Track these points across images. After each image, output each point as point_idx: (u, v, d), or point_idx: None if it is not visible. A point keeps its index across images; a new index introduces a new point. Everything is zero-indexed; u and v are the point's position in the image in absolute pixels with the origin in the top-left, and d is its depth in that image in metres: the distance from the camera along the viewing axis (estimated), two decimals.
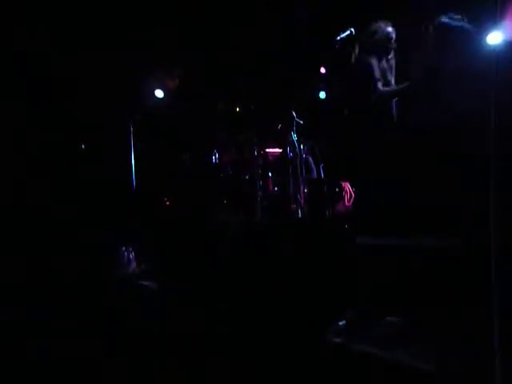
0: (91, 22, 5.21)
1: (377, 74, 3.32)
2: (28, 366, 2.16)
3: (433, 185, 3.05)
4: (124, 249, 4.33)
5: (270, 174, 5.46)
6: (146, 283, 3.84)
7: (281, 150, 5.48)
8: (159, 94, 6.39)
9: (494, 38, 3.66)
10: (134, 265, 4.32)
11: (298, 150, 4.95)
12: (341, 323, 2.38)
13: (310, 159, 5.39)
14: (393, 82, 3.44)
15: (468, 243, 2.37)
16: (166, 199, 5.94)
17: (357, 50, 3.49)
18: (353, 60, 3.51)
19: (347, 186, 4.98)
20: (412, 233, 2.92)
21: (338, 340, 2.22)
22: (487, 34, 3.76)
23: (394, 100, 3.47)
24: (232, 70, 6.01)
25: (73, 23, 5.12)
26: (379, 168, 3.54)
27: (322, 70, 5.07)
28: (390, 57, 3.45)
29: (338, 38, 3.95)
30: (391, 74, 3.47)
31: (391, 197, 3.35)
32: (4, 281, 3.26)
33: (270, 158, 5.62)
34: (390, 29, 3.41)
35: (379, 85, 3.31)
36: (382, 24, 3.42)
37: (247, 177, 5.39)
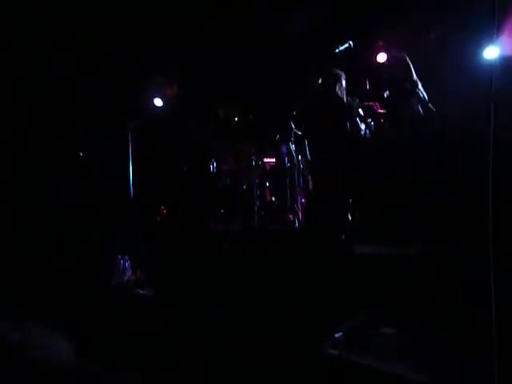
0: (92, 26, 5.23)
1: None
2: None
3: (431, 194, 3.07)
4: (120, 256, 4.31)
5: (267, 184, 5.47)
6: (141, 291, 3.82)
7: (278, 160, 5.50)
8: (158, 102, 6.42)
9: (491, 52, 3.72)
10: (129, 273, 4.30)
11: (295, 160, 4.97)
12: (338, 335, 2.36)
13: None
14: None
15: (467, 253, 2.38)
16: (163, 207, 5.94)
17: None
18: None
19: None
20: (411, 242, 2.94)
21: (334, 352, 2.21)
22: (484, 49, 3.83)
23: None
24: (231, 79, 6.05)
25: (75, 26, 5.14)
26: (378, 178, 3.58)
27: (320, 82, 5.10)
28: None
29: (337, 50, 4.00)
30: None
31: (389, 206, 3.37)
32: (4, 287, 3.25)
33: (268, 167, 5.64)
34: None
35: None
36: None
37: (245, 186, 5.39)
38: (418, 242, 2.89)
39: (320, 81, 5.02)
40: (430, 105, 3.64)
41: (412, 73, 3.70)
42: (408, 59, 3.73)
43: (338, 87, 4.09)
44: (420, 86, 3.72)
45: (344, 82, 4.14)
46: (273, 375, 2.22)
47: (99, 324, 2.89)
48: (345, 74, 4.19)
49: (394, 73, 3.84)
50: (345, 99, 4.13)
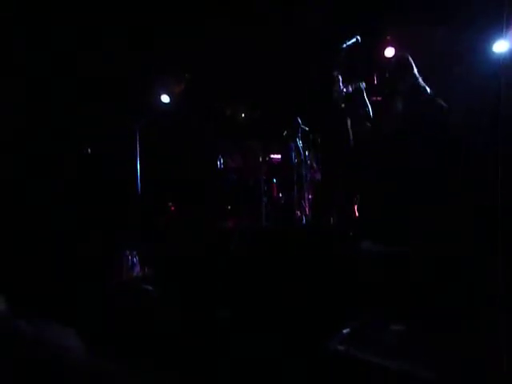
0: (99, 25, 5.24)
1: None
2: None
3: (435, 192, 3.06)
4: (128, 253, 4.33)
5: (274, 180, 5.48)
6: (149, 287, 3.84)
7: (285, 157, 5.49)
8: (165, 99, 6.43)
9: (501, 46, 3.68)
10: (137, 269, 4.32)
11: (302, 156, 4.97)
12: (345, 331, 2.37)
13: (314, 164, 5.40)
14: None
15: (471, 252, 2.37)
16: (170, 204, 5.96)
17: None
18: None
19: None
20: (416, 240, 2.93)
21: (341, 348, 2.21)
22: (494, 43, 3.79)
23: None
24: (237, 76, 6.04)
25: (81, 25, 5.15)
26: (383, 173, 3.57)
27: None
28: None
29: (344, 45, 4.00)
30: None
31: (395, 204, 3.36)
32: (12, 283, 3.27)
33: (275, 164, 5.64)
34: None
35: None
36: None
37: (252, 183, 5.40)
38: (424, 240, 2.88)
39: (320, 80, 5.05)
40: (439, 101, 3.61)
41: (413, 71, 3.68)
42: (410, 58, 3.71)
43: (335, 89, 4.13)
44: (421, 82, 3.69)
45: (340, 84, 4.19)
46: (279, 371, 2.22)
47: (105, 321, 2.92)
48: (342, 74, 4.22)
49: (395, 70, 3.84)
50: (342, 98, 4.20)
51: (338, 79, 4.17)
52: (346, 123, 4.14)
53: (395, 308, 2.52)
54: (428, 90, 3.62)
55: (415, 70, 3.66)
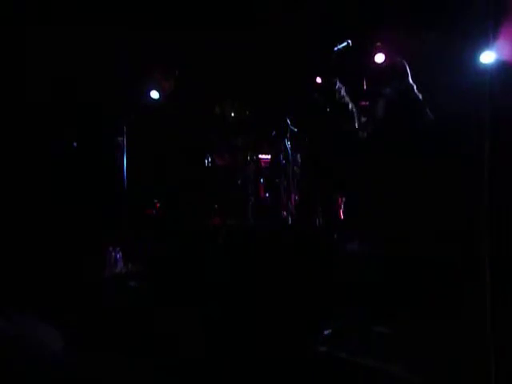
0: (89, 21, 5.19)
1: None
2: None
3: (422, 194, 3.11)
4: (111, 249, 4.30)
5: (261, 180, 5.49)
6: (132, 284, 3.81)
7: (273, 157, 5.51)
8: (154, 95, 6.38)
9: (488, 57, 3.75)
10: (121, 265, 4.29)
11: (290, 157, 4.98)
12: (326, 332, 2.38)
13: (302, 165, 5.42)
14: None
15: (459, 254, 2.41)
16: (156, 201, 5.92)
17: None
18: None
19: None
20: (400, 242, 2.97)
21: (323, 349, 2.23)
22: (481, 53, 3.86)
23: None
24: (228, 75, 6.03)
25: (71, 22, 5.09)
26: (370, 177, 3.61)
27: (318, 80, 5.11)
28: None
29: (335, 49, 4.03)
30: None
31: (381, 206, 3.41)
32: None
33: (263, 164, 5.65)
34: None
35: None
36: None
37: (239, 182, 5.40)
38: (411, 241, 2.92)
39: (319, 80, 5.06)
40: (427, 110, 3.67)
41: (408, 78, 3.74)
42: (406, 65, 3.77)
43: (337, 95, 4.16)
44: (415, 90, 3.76)
45: (342, 90, 4.21)
46: (262, 372, 2.23)
47: (90, 317, 2.89)
48: (339, 78, 4.24)
49: (391, 75, 3.89)
50: (345, 101, 4.21)
51: (331, 82, 4.18)
52: (334, 125, 4.17)
53: (378, 309, 2.56)
54: (420, 96, 3.67)
55: (409, 78, 3.72)
